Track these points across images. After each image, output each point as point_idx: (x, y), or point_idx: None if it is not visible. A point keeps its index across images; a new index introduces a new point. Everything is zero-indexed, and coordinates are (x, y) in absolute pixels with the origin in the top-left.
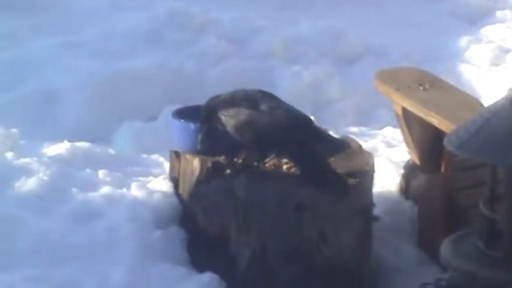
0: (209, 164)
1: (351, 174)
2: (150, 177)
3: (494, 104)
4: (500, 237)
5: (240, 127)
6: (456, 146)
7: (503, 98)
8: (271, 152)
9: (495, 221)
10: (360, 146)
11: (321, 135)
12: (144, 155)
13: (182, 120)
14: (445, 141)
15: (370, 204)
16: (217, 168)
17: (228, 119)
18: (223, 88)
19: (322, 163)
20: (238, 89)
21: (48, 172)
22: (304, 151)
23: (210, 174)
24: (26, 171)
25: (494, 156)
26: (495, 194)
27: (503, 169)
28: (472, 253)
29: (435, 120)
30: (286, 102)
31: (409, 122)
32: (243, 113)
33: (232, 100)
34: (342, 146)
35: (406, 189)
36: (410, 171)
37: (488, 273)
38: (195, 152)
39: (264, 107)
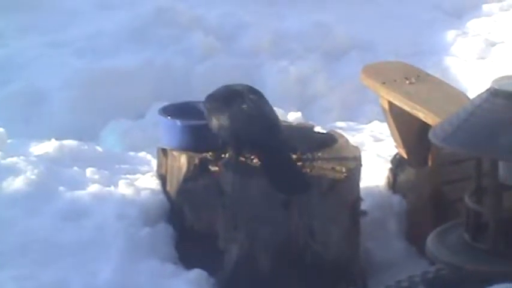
0: (196, 161)
1: (338, 169)
2: (138, 175)
3: (478, 96)
4: (486, 229)
5: (219, 126)
6: (441, 140)
7: (486, 90)
8: (245, 150)
9: (481, 213)
10: (347, 140)
11: (287, 141)
12: (132, 153)
13: (169, 117)
14: (430, 135)
15: (358, 199)
16: (204, 165)
17: (210, 115)
18: (211, 85)
19: (283, 161)
20: (225, 85)
21: (35, 171)
22: (269, 152)
23: (197, 171)
24: (14, 171)
25: (478, 148)
26: (480, 186)
27: (488, 161)
28: (458, 246)
29: (421, 114)
30: (270, 99)
31: (395, 116)
32: (222, 112)
33: (217, 96)
34: (329, 140)
35: (393, 184)
36: (397, 166)
37: (474, 265)
38: (182, 149)
39: (244, 105)
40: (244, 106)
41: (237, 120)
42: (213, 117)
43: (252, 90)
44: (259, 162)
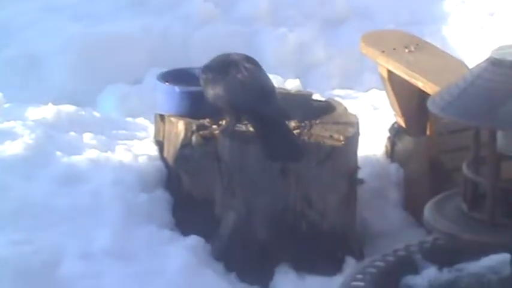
0: (194, 127)
1: (336, 137)
2: (135, 141)
3: (477, 66)
4: (483, 199)
5: (215, 96)
6: (439, 109)
7: (485, 60)
8: (242, 119)
9: (478, 183)
10: (345, 108)
11: (282, 109)
12: (129, 118)
13: (167, 83)
14: (429, 104)
15: (355, 167)
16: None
17: (206, 86)
18: (209, 51)
19: (276, 129)
20: (221, 54)
21: (32, 136)
22: (263, 119)
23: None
24: (10, 135)
25: (476, 118)
26: (478, 156)
27: (486, 131)
28: (455, 215)
29: (420, 83)
30: (268, 66)
31: (394, 84)
32: (218, 82)
33: (212, 67)
34: (327, 108)
35: (391, 152)
36: (396, 134)
37: (471, 235)
38: (180, 115)
39: (239, 74)
40: (239, 75)
41: (232, 89)
42: (209, 88)
43: (248, 59)
44: (253, 130)
